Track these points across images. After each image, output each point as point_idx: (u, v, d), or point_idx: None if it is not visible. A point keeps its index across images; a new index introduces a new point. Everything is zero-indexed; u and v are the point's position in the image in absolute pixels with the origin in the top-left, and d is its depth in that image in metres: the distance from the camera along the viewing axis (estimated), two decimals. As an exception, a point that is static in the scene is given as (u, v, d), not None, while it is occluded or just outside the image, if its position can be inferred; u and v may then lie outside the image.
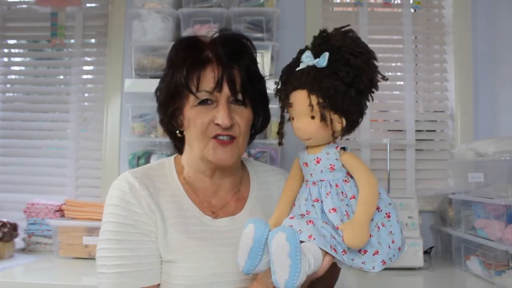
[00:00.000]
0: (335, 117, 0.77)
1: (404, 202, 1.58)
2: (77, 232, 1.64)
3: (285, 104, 0.80)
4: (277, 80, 0.83)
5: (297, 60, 0.81)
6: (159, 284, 0.85)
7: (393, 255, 0.77)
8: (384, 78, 0.79)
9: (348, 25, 0.79)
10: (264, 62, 1.71)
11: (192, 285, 0.82)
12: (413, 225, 1.55)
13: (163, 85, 0.92)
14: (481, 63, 1.93)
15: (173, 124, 0.93)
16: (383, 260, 0.76)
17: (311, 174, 0.81)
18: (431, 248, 1.72)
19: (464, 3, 1.93)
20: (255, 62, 0.94)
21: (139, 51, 1.75)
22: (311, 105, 0.75)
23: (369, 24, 1.96)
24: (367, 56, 0.77)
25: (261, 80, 0.95)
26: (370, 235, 0.75)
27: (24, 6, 2.14)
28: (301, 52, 0.81)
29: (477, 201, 1.46)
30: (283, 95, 0.81)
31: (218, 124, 0.85)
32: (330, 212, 0.76)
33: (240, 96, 0.88)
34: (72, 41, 2.07)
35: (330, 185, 0.79)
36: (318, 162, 0.80)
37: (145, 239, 0.84)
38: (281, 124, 0.84)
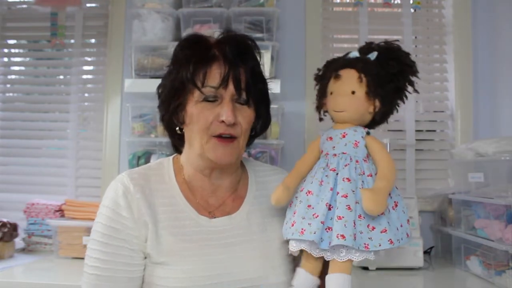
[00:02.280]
0: (375, 99, 0.83)
1: (404, 202, 1.57)
2: (77, 232, 1.64)
3: (334, 75, 0.85)
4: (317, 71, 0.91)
5: (340, 57, 0.89)
6: None
7: (401, 238, 0.79)
8: (416, 90, 0.87)
9: (397, 40, 0.89)
10: (264, 62, 1.71)
11: (186, 287, 0.82)
12: (413, 225, 1.55)
13: (167, 81, 0.92)
14: (481, 63, 1.93)
15: (174, 121, 0.93)
16: (390, 239, 0.77)
17: (334, 147, 0.84)
18: (431, 248, 1.72)
19: (464, 3, 1.93)
20: (259, 64, 0.94)
21: (139, 51, 1.75)
22: (360, 78, 0.82)
23: (369, 24, 1.96)
24: (412, 60, 0.86)
25: (264, 81, 0.96)
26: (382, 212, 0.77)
27: (24, 6, 2.14)
28: (347, 54, 0.89)
29: (477, 201, 1.46)
30: (333, 68, 0.86)
31: (222, 122, 0.85)
32: (343, 180, 0.79)
33: (244, 95, 0.88)
34: (72, 41, 2.07)
35: (351, 159, 0.82)
36: (344, 136, 0.84)
37: (124, 246, 0.85)
38: (320, 97, 0.89)
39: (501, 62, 1.89)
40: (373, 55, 0.85)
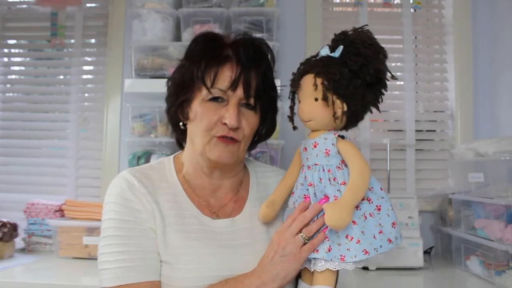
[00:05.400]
0: (337, 102, 0.80)
1: (404, 202, 1.57)
2: (77, 232, 1.64)
3: (295, 86, 0.85)
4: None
5: (316, 55, 0.87)
6: (159, 282, 0.84)
7: (380, 246, 0.78)
8: (393, 77, 0.83)
9: (366, 25, 0.85)
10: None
11: (191, 287, 0.81)
12: (413, 225, 1.55)
13: (177, 75, 0.92)
14: (481, 63, 1.93)
15: (179, 116, 0.93)
16: (364, 250, 0.76)
17: (307, 158, 0.84)
18: (431, 248, 1.72)
19: (464, 3, 1.93)
20: (272, 70, 0.95)
21: (139, 51, 1.75)
22: (315, 85, 0.80)
23: (369, 24, 1.91)
24: (377, 49, 0.81)
25: (274, 88, 0.96)
26: (354, 222, 0.76)
27: (24, 6, 2.14)
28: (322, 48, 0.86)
29: (477, 201, 1.46)
30: (296, 79, 0.85)
31: (225, 124, 0.85)
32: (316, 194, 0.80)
33: (252, 101, 0.88)
34: (72, 41, 2.07)
35: (323, 169, 0.81)
36: (315, 146, 0.82)
37: (147, 235, 0.84)
38: (291, 107, 0.88)
39: (501, 62, 1.89)
40: (338, 51, 0.81)
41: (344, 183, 0.79)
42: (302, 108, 0.83)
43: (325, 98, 0.79)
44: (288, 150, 1.84)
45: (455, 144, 1.90)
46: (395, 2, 2.00)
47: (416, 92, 1.96)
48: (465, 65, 1.91)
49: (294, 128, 0.89)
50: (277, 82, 1.66)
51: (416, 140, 1.92)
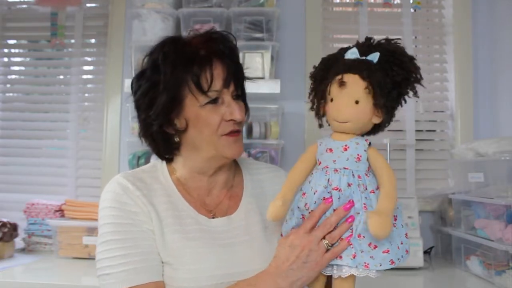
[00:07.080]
0: (380, 111, 0.79)
1: (404, 202, 1.58)
2: (77, 232, 1.64)
3: (339, 82, 0.78)
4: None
5: (338, 55, 0.83)
6: (163, 282, 0.84)
7: (401, 256, 0.77)
8: (416, 94, 0.84)
9: (399, 38, 0.84)
10: (264, 62, 1.71)
11: (191, 287, 0.81)
12: (413, 225, 1.55)
13: (162, 89, 0.87)
14: (481, 63, 1.93)
15: (165, 130, 0.90)
16: (391, 260, 0.75)
17: (334, 161, 0.79)
18: (431, 248, 1.72)
19: (464, 3, 1.93)
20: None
21: (139, 51, 1.75)
22: (367, 88, 0.76)
23: (369, 24, 1.96)
24: (416, 65, 0.82)
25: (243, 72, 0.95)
26: None
27: (24, 6, 2.15)
28: (344, 49, 0.82)
29: (477, 201, 1.46)
30: (335, 71, 0.80)
31: (230, 120, 0.86)
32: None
33: (239, 91, 0.90)
34: (72, 41, 2.07)
35: (353, 175, 0.78)
36: (345, 149, 0.79)
37: (146, 236, 0.84)
38: (318, 106, 0.83)
39: (501, 62, 1.89)
40: (374, 57, 0.78)
41: (373, 192, 0.77)
42: (339, 108, 0.78)
43: (375, 104, 0.77)
44: (288, 150, 1.84)
45: (455, 144, 1.90)
46: (395, 2, 2.00)
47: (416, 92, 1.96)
48: (465, 65, 1.91)
49: (320, 126, 0.84)
50: (277, 82, 1.69)
51: (416, 140, 1.92)
